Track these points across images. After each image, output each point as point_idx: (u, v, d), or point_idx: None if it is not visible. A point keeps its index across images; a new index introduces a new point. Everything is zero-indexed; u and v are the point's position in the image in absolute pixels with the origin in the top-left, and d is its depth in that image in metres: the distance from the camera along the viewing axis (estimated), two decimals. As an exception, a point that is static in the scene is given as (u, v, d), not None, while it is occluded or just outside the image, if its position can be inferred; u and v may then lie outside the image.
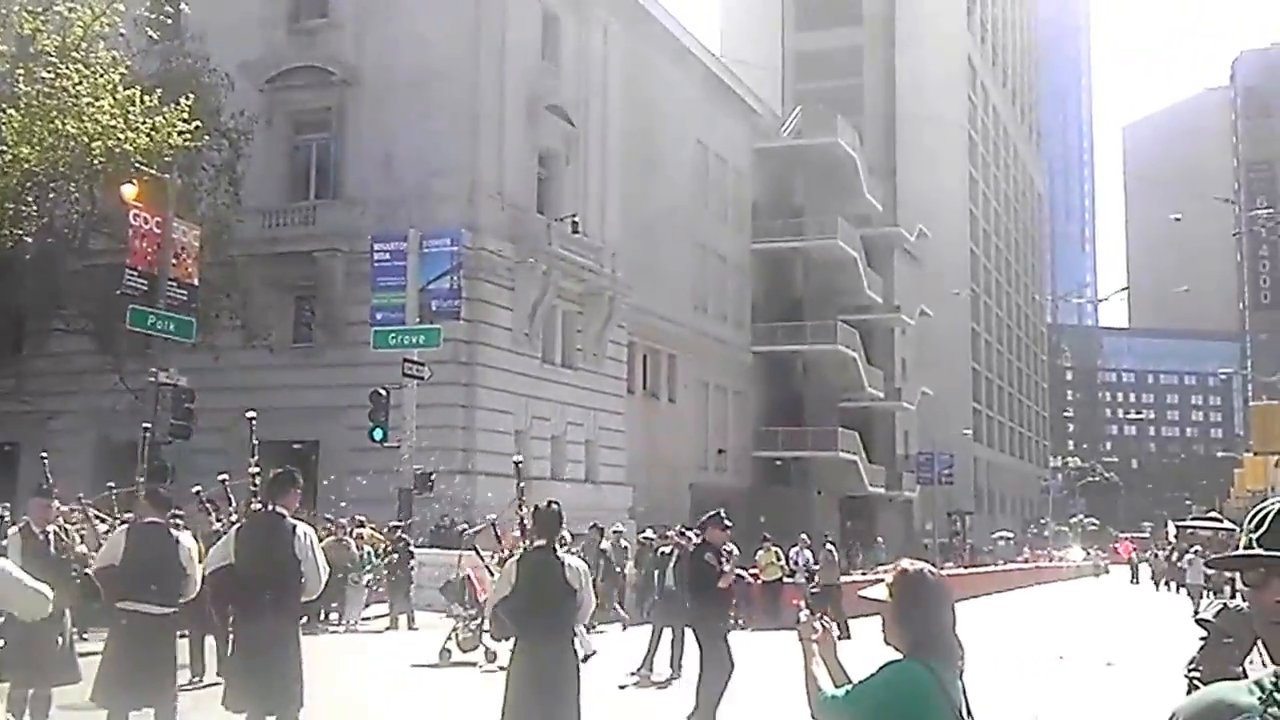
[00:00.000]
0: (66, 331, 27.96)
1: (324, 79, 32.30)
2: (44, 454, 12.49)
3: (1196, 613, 12.01)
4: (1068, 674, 16.37)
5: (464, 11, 31.95)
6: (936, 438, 70.36)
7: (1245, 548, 1.99)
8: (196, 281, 24.18)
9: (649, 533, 24.07)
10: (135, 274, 22.63)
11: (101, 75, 24.35)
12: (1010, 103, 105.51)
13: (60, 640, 8.33)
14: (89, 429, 29.50)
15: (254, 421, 9.02)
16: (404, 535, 22.00)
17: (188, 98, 24.69)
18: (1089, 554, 78.46)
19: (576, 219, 34.43)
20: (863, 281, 58.81)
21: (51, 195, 25.25)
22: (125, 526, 8.62)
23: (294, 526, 7.59)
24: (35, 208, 24.73)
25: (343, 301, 30.79)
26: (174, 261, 23.37)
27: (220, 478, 10.12)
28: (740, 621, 21.19)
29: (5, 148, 23.00)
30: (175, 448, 23.43)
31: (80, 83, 23.85)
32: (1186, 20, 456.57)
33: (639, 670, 15.48)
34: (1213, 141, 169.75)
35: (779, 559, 25.06)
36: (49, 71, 23.73)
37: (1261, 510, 2.01)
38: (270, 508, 7.71)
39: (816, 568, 25.11)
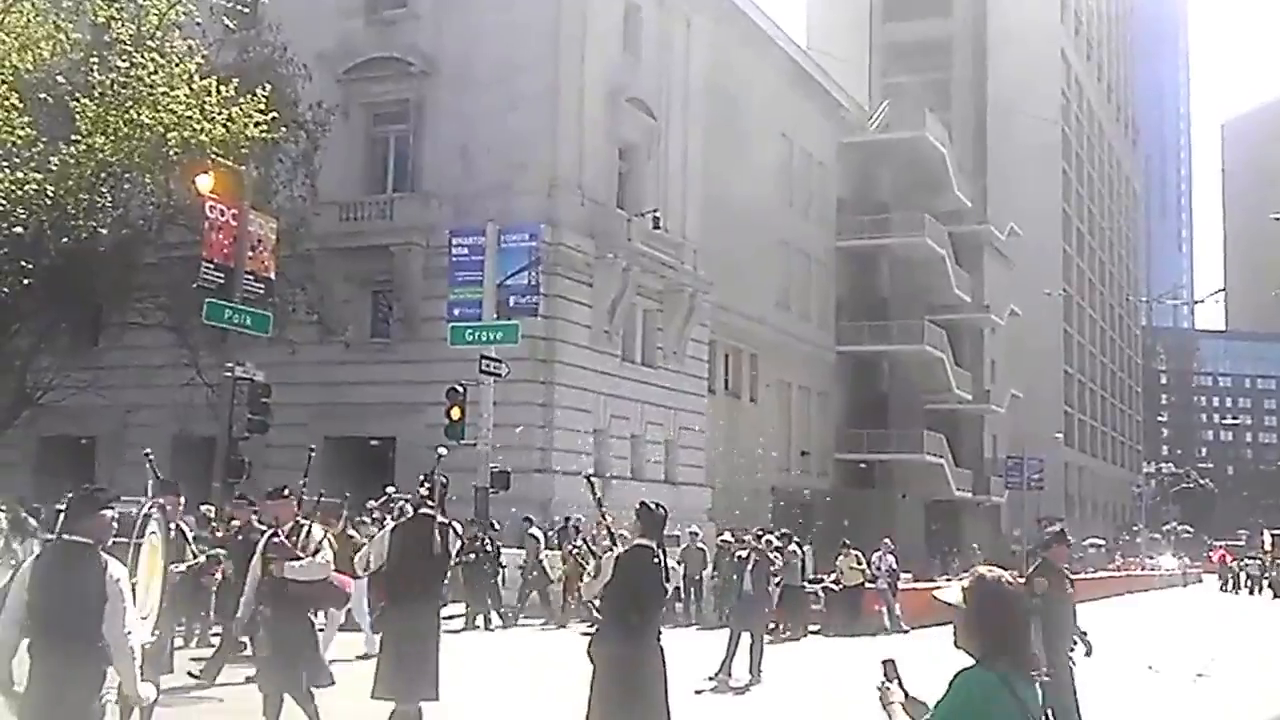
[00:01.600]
0: (143, 325, 27.84)
1: (402, 70, 31.93)
2: (148, 452, 12.24)
3: None
4: (1158, 685, 15.55)
5: (544, 2, 31.42)
6: (1026, 441, 68.57)
7: None
8: (273, 275, 23.88)
9: (727, 535, 23.56)
10: (211, 267, 22.34)
11: (177, 65, 24.10)
12: (1105, 98, 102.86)
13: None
14: (166, 423, 29.42)
15: (440, 456, 9.74)
16: (487, 534, 21.49)
17: (264, 88, 24.35)
18: (1181, 561, 76.19)
19: (657, 214, 33.71)
20: (951, 280, 57.45)
21: (126, 186, 25.06)
22: (391, 526, 9.15)
23: (441, 525, 8.62)
24: (110, 199, 24.57)
25: (420, 296, 30.43)
26: (250, 254, 23.06)
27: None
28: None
29: (79, 138, 22.84)
30: (252, 442, 23.14)
31: (155, 72, 23.60)
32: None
33: (717, 675, 15.08)
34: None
35: (859, 564, 24.20)
36: (124, 60, 23.51)
37: None
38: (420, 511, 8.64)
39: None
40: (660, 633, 7.69)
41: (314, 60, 29.87)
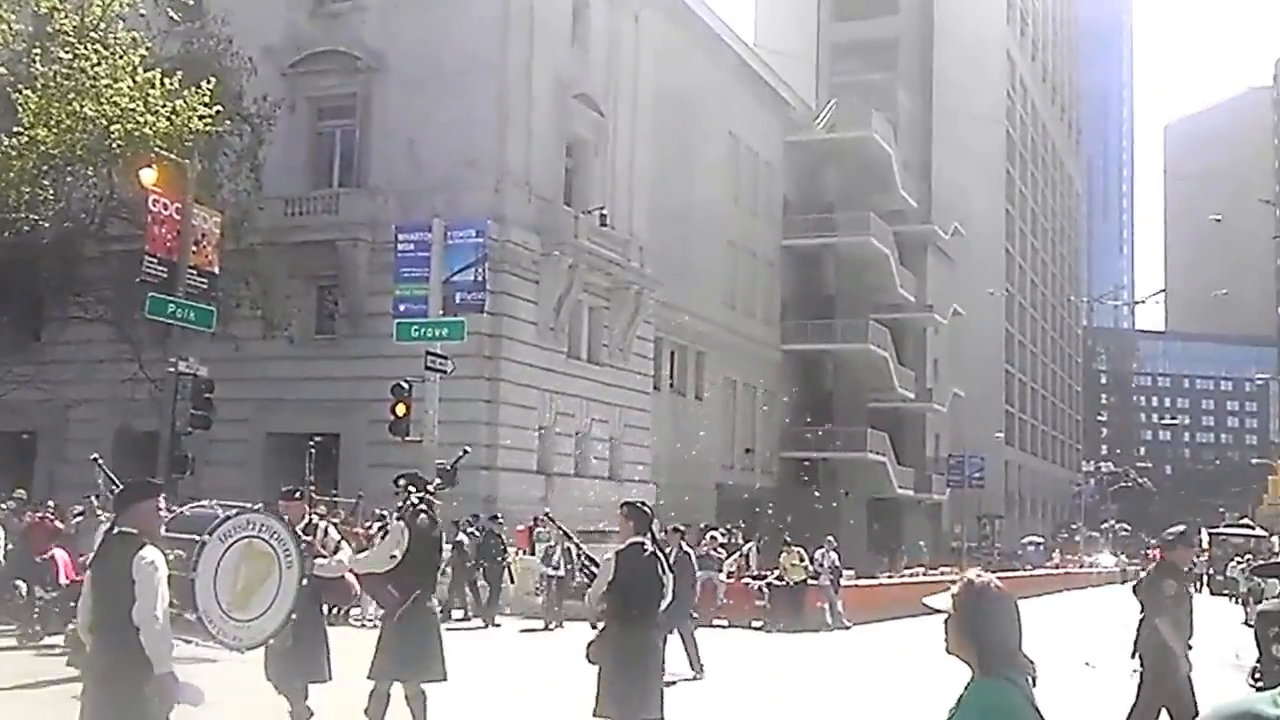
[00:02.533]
0: (85, 319, 27.70)
1: (348, 64, 31.96)
2: (97, 457, 12.29)
3: (1247, 621, 11.57)
4: (1095, 681, 15.95)
5: (492, -4, 31.56)
6: (967, 440, 69.69)
7: None
8: (217, 269, 23.76)
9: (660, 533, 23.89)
10: (154, 261, 22.22)
11: (121, 56, 24.01)
12: (1050, 99, 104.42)
13: None
14: (108, 418, 29.28)
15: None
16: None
17: (209, 81, 24.32)
18: (1119, 559, 77.82)
19: (604, 211, 34.00)
20: (895, 280, 58.18)
21: (69, 179, 24.94)
22: (401, 523, 9.46)
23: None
24: (52, 192, 24.42)
25: (365, 292, 30.48)
26: (194, 249, 22.96)
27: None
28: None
29: (21, 130, 22.71)
30: (195, 438, 23.13)
31: (99, 64, 23.52)
32: (1231, 19, 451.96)
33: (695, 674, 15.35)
34: (1255, 142, 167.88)
35: (802, 560, 24.67)
36: (67, 52, 23.41)
37: None
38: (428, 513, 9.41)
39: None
40: (659, 627, 8.21)
41: (259, 53, 29.79)
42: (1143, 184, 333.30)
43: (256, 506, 8.02)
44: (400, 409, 24.47)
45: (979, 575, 3.57)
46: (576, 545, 12.65)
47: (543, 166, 32.96)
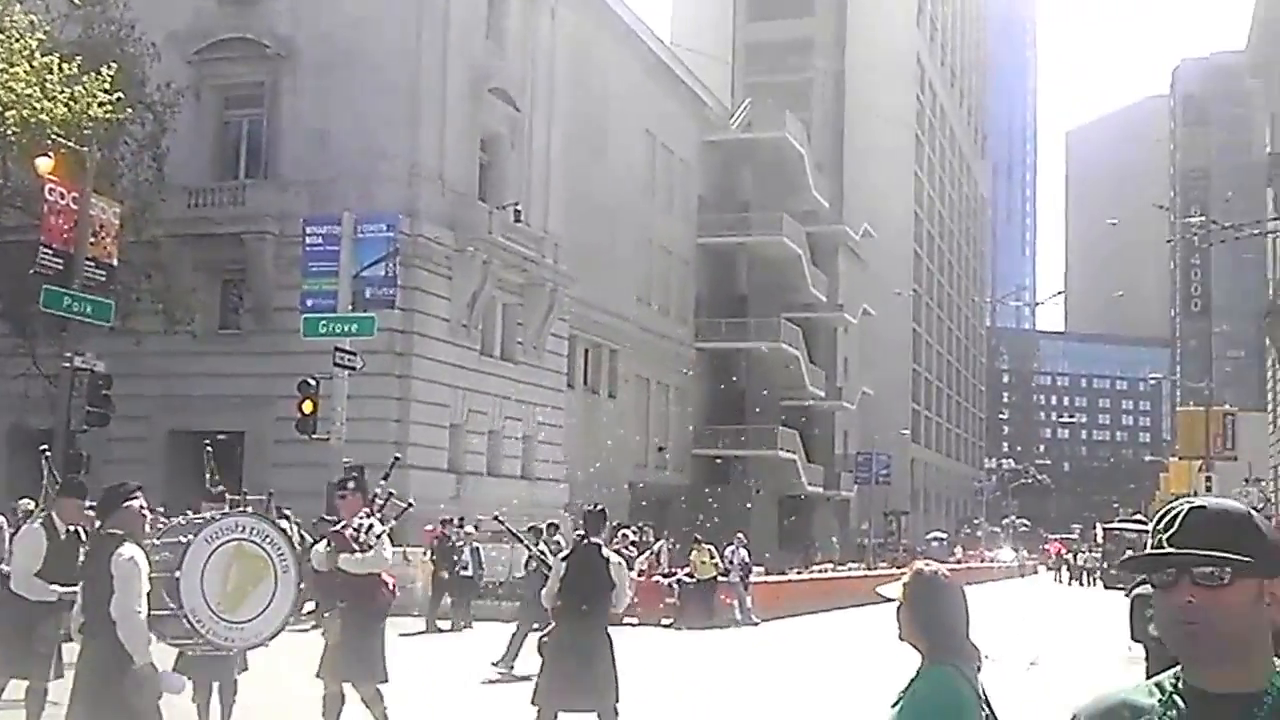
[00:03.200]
0: (-24, 312, 26.61)
1: (257, 52, 31.03)
2: (45, 448, 11.93)
3: (1135, 633, 11.73)
4: (993, 674, 16.07)
5: (406, -13, 30.93)
6: (875, 438, 70.43)
7: (1155, 548, 1.92)
8: (116, 262, 22.95)
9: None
10: (50, 252, 21.38)
11: (17, 40, 23.05)
12: (957, 104, 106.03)
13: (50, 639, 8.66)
14: (0, 415, 28.14)
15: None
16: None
17: (110, 67, 23.44)
18: (1019, 554, 79.46)
19: (519, 207, 33.54)
20: (807, 279, 58.52)
21: (-40, 166, 23.94)
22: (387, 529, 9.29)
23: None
24: (-58, 179, 23.42)
25: (272, 286, 29.67)
26: (92, 240, 22.14)
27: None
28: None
29: (-90, 114, 21.71)
30: (92, 436, 22.31)
31: (-7, 48, 22.55)
32: (1131, 29, 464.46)
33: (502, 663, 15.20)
34: (1152, 149, 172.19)
35: (712, 557, 24.62)
36: (-41, 34, 22.42)
37: (1170, 510, 1.94)
38: None
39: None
40: (607, 621, 8.64)
41: (164, 39, 28.86)
42: (1045, 188, 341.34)
43: (250, 509, 8.52)
44: (307, 406, 23.86)
45: (928, 565, 3.72)
46: (528, 546, 12.72)
47: (456, 161, 32.41)
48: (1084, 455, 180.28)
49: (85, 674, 6.16)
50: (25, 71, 22.65)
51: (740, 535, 27.82)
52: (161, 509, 21.08)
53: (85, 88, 23.04)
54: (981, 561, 66.82)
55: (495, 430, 33.99)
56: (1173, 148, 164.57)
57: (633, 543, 24.99)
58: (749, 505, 49.90)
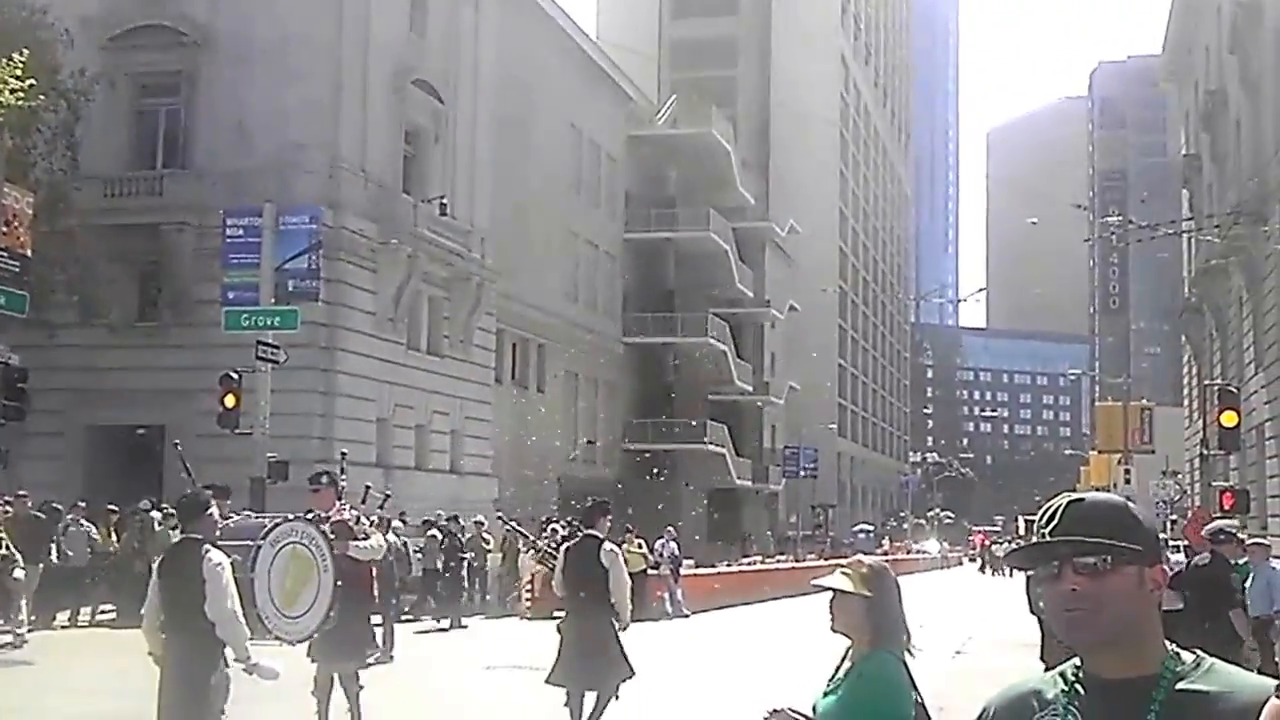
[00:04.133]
0: (-118, 303, 25.69)
1: (173, 39, 30.28)
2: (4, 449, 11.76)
3: (1032, 608, 11.87)
4: (919, 663, 16.22)
5: (327, -25, 30.43)
6: (803, 432, 70.95)
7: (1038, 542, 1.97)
8: (29, 252, 22.36)
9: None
10: (-41, 242, 20.81)
11: (-77, 23, 22.33)
12: (881, 103, 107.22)
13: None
14: (-93, 410, 27.23)
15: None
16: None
17: (21, 53, 22.75)
18: (943, 546, 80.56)
19: (444, 200, 33.19)
20: (734, 275, 58.70)
21: None
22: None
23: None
24: None
25: (192, 279, 29.00)
26: (4, 230, 21.54)
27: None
28: None
29: None
30: (8, 430, 21.67)
31: (-102, 31, 21.80)
32: (1050, 31, 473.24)
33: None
34: (1071, 149, 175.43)
35: (642, 550, 24.61)
36: None
37: (1051, 506, 1.99)
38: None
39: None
40: (610, 604, 9.09)
41: (77, 25, 28.12)
42: (967, 187, 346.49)
43: (298, 515, 9.13)
44: (230, 400, 23.45)
45: (874, 559, 4.00)
46: (531, 541, 13.99)
47: (380, 153, 31.99)
48: (1006, 449, 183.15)
49: (172, 669, 6.65)
50: (-68, 56, 21.93)
51: (670, 529, 27.87)
52: (82, 504, 20.71)
53: (-5, 73, 22.35)
54: (907, 553, 67.62)
55: (423, 425, 33.63)
56: (1091, 149, 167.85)
57: (563, 537, 24.92)
58: (678, 499, 49.98)
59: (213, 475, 25.58)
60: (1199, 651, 1.95)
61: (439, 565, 22.13)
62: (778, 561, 45.96)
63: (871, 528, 78.67)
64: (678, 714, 11.84)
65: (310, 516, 9.09)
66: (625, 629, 9.18)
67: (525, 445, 40.83)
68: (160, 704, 6.65)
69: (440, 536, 22.63)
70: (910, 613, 3.91)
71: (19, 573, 9.33)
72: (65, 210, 26.16)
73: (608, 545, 9.17)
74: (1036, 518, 2.01)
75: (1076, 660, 1.98)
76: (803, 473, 68.11)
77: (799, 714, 3.56)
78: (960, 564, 72.43)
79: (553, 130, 44.68)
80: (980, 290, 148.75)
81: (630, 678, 9.02)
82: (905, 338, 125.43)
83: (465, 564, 22.71)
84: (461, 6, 36.05)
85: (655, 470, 53.41)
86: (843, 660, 3.83)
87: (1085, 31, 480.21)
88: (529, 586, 22.53)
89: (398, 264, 31.58)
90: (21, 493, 14.63)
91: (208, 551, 6.62)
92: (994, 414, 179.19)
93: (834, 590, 3.76)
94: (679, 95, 62.09)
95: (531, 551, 20.84)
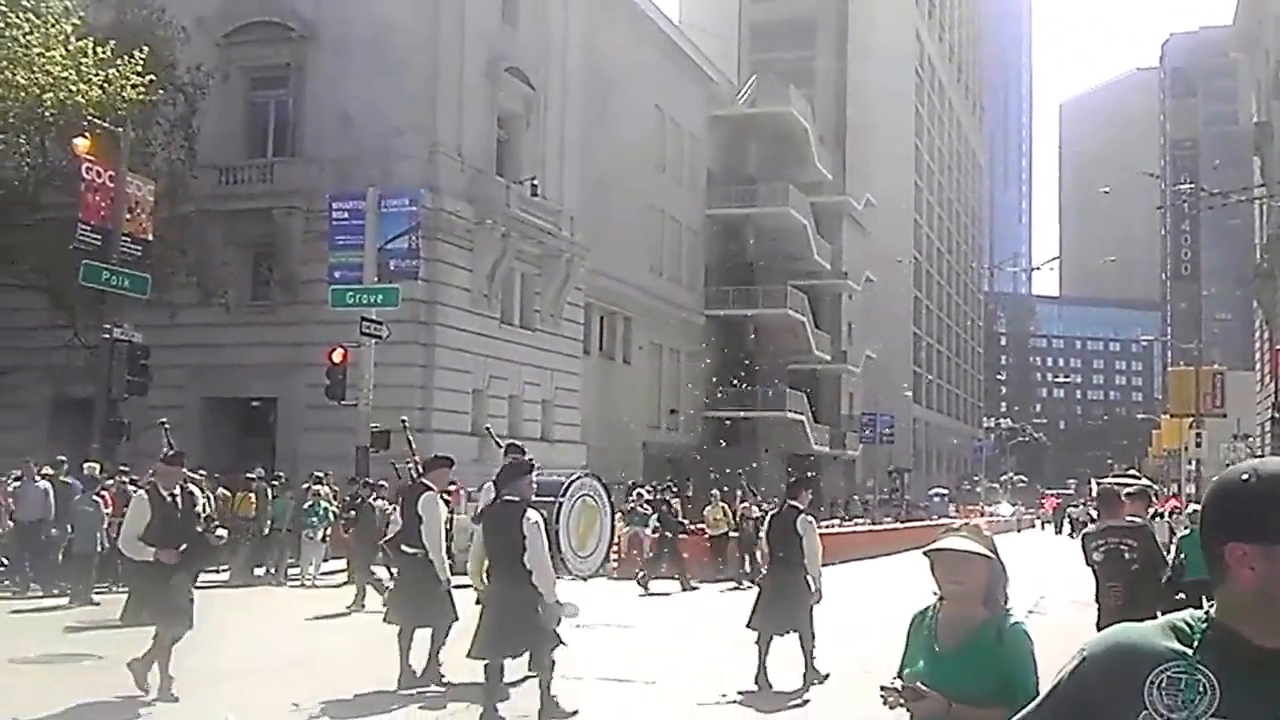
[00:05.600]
0: (19, 287, 26.47)
1: (282, 34, 30.75)
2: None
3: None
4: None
5: (424, -30, 30.59)
6: (879, 399, 70.28)
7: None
8: (151, 237, 22.98)
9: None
10: (88, 229, 21.44)
11: (53, 26, 22.92)
12: (955, 78, 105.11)
13: (187, 590, 9.24)
14: (43, 385, 28.19)
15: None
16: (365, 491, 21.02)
17: (142, 50, 23.31)
18: (1016, 509, 79.29)
19: (535, 181, 33.33)
20: (812, 248, 58.20)
21: (0, 147, 23.78)
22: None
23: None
24: (-17, 159, 23.33)
25: (300, 260, 29.53)
26: (128, 216, 22.18)
27: None
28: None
29: (-48, 98, 21.60)
30: (131, 404, 22.32)
31: (31, 33, 22.42)
32: (1122, 3, 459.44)
33: None
34: (1143, 119, 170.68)
35: (726, 514, 24.49)
36: (-2, 21, 22.27)
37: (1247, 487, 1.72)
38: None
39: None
40: (802, 563, 10.09)
41: (193, 24, 28.65)
42: (1040, 157, 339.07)
43: (586, 473, 11.27)
44: (336, 374, 23.88)
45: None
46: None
47: (475, 137, 32.18)
48: (1079, 414, 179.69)
49: (494, 604, 7.86)
50: (61, 55, 22.55)
51: (754, 492, 27.79)
52: (202, 472, 21.25)
53: (119, 71, 22.93)
54: (981, 516, 66.77)
55: (515, 395, 33.93)
56: (1162, 118, 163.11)
57: (647, 501, 25.00)
58: (758, 464, 49.81)
59: (319, 444, 26.35)
60: None
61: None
62: (855, 524, 45.63)
63: (946, 491, 77.66)
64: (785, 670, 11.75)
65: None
66: (818, 589, 10.08)
67: (612, 414, 41.00)
68: (484, 628, 7.79)
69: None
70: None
71: (222, 531, 10.27)
72: (183, 197, 26.74)
73: (804, 516, 10.05)
74: (1219, 498, 1.78)
75: (1199, 615, 1.78)
76: (880, 439, 67.49)
77: (920, 689, 3.37)
78: (1033, 527, 71.21)
79: (637, 112, 44.54)
80: (1054, 259, 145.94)
81: (813, 632, 10.01)
82: (979, 306, 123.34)
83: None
84: (550, -3, 36.02)
85: (735, 437, 53.38)
86: (927, 622, 3.58)
87: (1157, 3, 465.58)
88: (615, 548, 22.64)
89: (492, 243, 31.81)
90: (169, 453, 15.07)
91: (525, 512, 7.70)
92: (1067, 380, 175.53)
93: (959, 552, 3.49)
94: (758, 76, 61.48)
95: (619, 515, 21.12)
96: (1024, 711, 1.91)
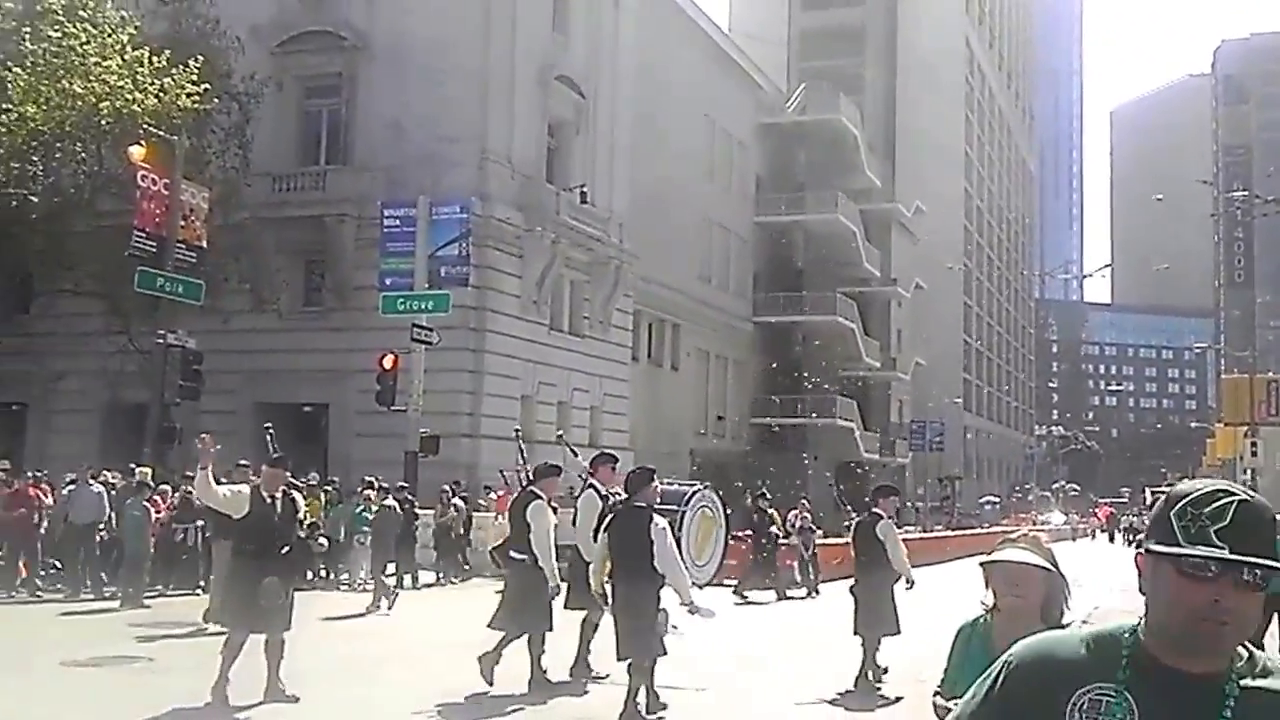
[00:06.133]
0: (75, 293, 26.68)
1: (335, 44, 30.77)
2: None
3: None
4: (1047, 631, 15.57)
5: (475, -21, 30.47)
6: (929, 406, 69.33)
7: (1200, 538, 1.67)
8: (205, 244, 23.03)
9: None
10: (143, 235, 21.50)
11: (109, 35, 23.06)
12: (1005, 85, 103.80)
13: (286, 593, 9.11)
14: (97, 390, 28.32)
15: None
16: (409, 496, 20.85)
17: (196, 60, 23.38)
18: (1068, 518, 77.89)
19: (585, 189, 33.08)
20: (861, 255, 57.53)
21: (58, 155, 23.92)
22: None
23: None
24: (41, 167, 23.50)
25: (352, 266, 29.49)
26: (182, 224, 22.22)
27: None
28: None
29: (11, 107, 21.77)
30: (184, 409, 22.32)
31: (88, 42, 22.56)
32: (1173, 9, 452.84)
33: None
34: (1194, 126, 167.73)
35: (773, 522, 24.00)
36: (56, 30, 22.47)
37: (1211, 497, 1.70)
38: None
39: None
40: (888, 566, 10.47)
41: (247, 33, 28.74)
42: (1091, 164, 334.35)
43: (705, 485, 11.56)
44: (386, 380, 23.75)
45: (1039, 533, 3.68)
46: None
47: (525, 145, 32.01)
48: (1131, 422, 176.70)
49: (621, 603, 8.25)
50: (117, 65, 22.67)
51: (804, 500, 27.34)
52: (246, 464, 21.11)
53: (174, 80, 22.99)
54: (1033, 524, 65.61)
55: (564, 401, 33.68)
56: (1214, 125, 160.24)
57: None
58: (806, 471, 49.20)
59: (370, 449, 26.22)
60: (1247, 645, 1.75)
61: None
62: (905, 531, 44.94)
63: (998, 499, 76.57)
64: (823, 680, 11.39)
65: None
66: (910, 585, 10.58)
67: (660, 420, 40.67)
68: (621, 631, 8.16)
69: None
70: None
71: (324, 540, 10.51)
72: (237, 205, 26.78)
73: (883, 522, 10.47)
74: (1189, 505, 1.71)
75: (1119, 628, 1.76)
76: (930, 446, 66.57)
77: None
78: (1086, 535, 69.83)
79: (687, 120, 44.22)
80: (1105, 266, 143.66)
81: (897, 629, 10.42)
82: (1030, 313, 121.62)
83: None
84: (602, 6, 35.83)
85: (783, 443, 52.80)
86: (977, 634, 3.47)
87: (1208, 10, 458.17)
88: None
89: (542, 250, 31.60)
90: (242, 462, 14.56)
91: (652, 518, 8.05)
92: (1119, 388, 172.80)
93: (1018, 564, 3.37)
94: (808, 83, 60.94)
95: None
96: (956, 711, 1.89)
